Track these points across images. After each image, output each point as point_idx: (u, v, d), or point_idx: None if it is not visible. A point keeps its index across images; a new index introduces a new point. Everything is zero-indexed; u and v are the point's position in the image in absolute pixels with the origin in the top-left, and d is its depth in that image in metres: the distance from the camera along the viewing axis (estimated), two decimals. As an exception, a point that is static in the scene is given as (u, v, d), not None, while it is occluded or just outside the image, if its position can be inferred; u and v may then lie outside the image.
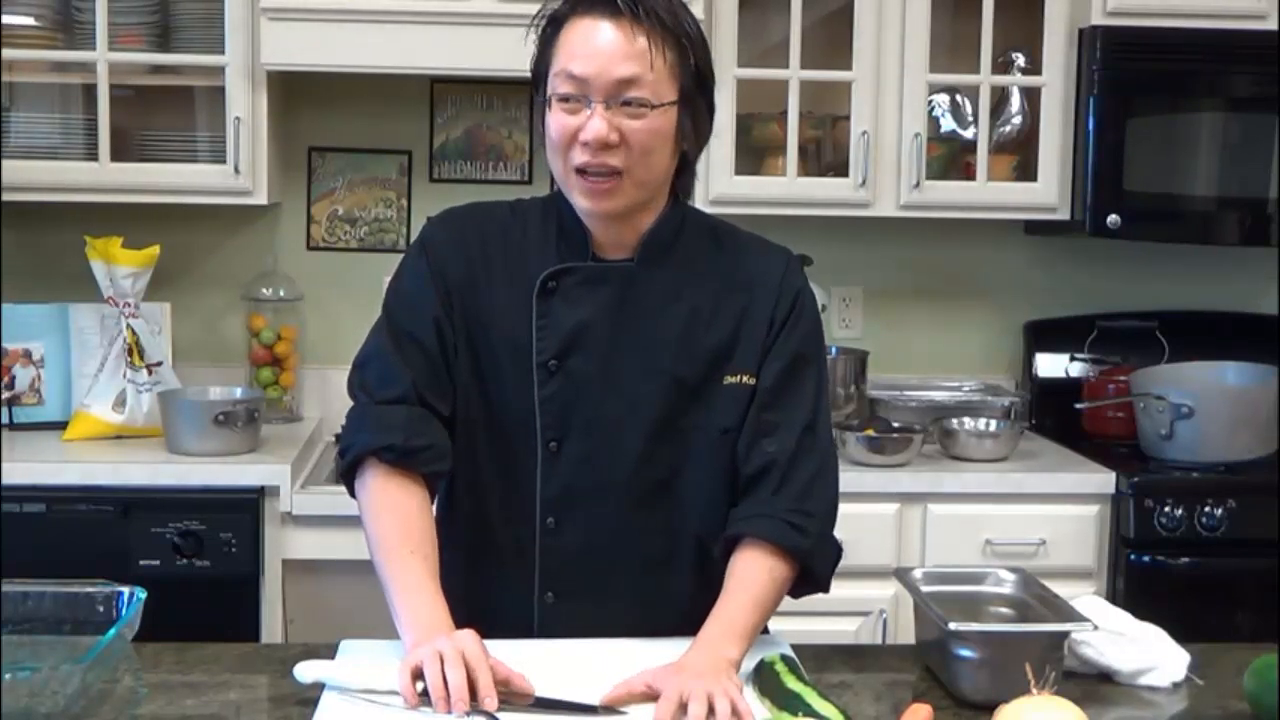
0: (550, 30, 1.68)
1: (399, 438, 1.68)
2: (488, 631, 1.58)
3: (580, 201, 1.67)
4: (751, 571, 1.67)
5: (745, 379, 1.73)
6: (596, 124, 1.62)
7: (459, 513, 1.78)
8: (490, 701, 1.47)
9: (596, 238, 1.73)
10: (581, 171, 1.64)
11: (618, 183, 1.64)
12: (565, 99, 1.63)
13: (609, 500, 1.72)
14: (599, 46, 1.62)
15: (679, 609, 1.70)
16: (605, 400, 1.71)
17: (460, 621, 1.64)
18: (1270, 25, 3.11)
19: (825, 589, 1.75)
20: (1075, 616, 1.62)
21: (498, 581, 1.75)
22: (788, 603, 1.77)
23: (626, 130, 1.63)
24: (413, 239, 3.36)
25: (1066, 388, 3.37)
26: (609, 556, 1.73)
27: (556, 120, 1.65)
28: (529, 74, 1.72)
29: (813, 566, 1.71)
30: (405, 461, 1.68)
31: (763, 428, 1.72)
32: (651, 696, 1.51)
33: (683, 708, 1.46)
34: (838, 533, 1.76)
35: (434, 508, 1.76)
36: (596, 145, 1.62)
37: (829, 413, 1.80)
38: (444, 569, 1.72)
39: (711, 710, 1.46)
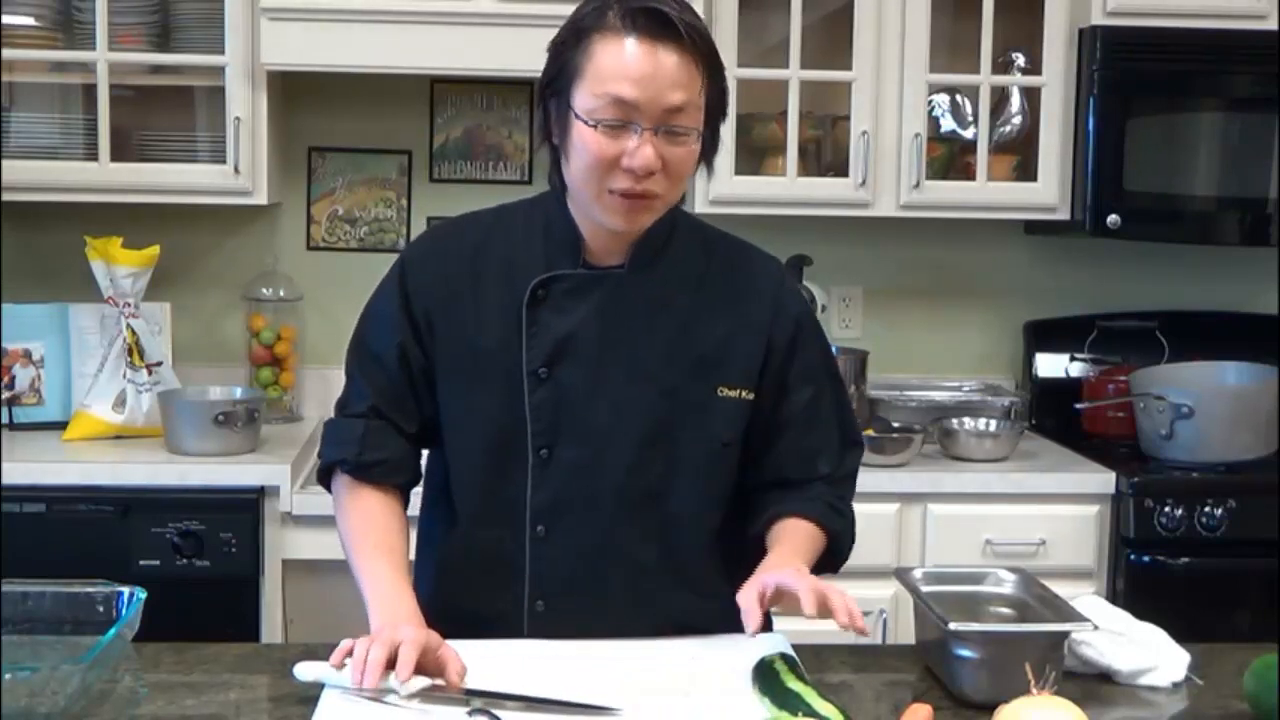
0: (578, 39, 1.60)
1: (353, 452, 1.74)
2: (478, 638, 1.59)
3: (613, 221, 1.64)
4: (796, 527, 1.74)
5: (744, 394, 1.73)
6: (648, 153, 1.58)
7: (450, 521, 1.78)
8: (404, 678, 1.47)
9: (589, 245, 1.72)
10: (616, 192, 1.61)
11: (652, 203, 1.63)
12: (611, 125, 1.58)
13: (599, 508, 1.71)
14: (652, 71, 1.56)
15: (669, 617, 1.70)
16: (595, 408, 1.70)
17: (452, 629, 1.67)
18: (1270, 25, 3.11)
19: (837, 570, 1.82)
20: (1075, 616, 1.62)
21: (489, 589, 1.75)
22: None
23: (668, 157, 1.60)
24: (413, 239, 3.39)
25: (1066, 388, 3.37)
26: (599, 564, 1.72)
27: (596, 143, 1.58)
28: (534, 73, 1.68)
29: (839, 549, 1.80)
30: (359, 474, 1.74)
31: (812, 450, 1.80)
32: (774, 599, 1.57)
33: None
34: None
35: (421, 509, 1.84)
36: (644, 173, 1.59)
37: (852, 411, 1.90)
38: (436, 577, 1.78)
39: None
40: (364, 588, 1.66)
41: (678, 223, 1.77)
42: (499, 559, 1.73)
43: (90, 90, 2.99)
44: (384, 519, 1.73)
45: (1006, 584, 1.75)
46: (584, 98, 1.59)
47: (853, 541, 1.84)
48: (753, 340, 1.74)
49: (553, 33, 1.67)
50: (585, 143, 1.59)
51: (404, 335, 1.74)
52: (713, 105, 1.66)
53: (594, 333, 1.70)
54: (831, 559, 1.80)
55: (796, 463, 1.78)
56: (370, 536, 1.70)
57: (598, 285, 1.71)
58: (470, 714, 1.47)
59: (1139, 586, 2.89)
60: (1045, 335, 3.47)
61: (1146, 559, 2.91)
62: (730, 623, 1.61)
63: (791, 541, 1.71)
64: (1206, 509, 2.90)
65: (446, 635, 1.68)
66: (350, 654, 1.52)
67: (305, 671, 1.55)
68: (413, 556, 1.87)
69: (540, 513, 1.71)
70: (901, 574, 1.77)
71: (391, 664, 1.48)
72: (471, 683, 1.53)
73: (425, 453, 1.85)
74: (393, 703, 1.50)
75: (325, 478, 1.80)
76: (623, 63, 1.57)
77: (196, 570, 2.70)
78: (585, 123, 1.59)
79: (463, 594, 1.75)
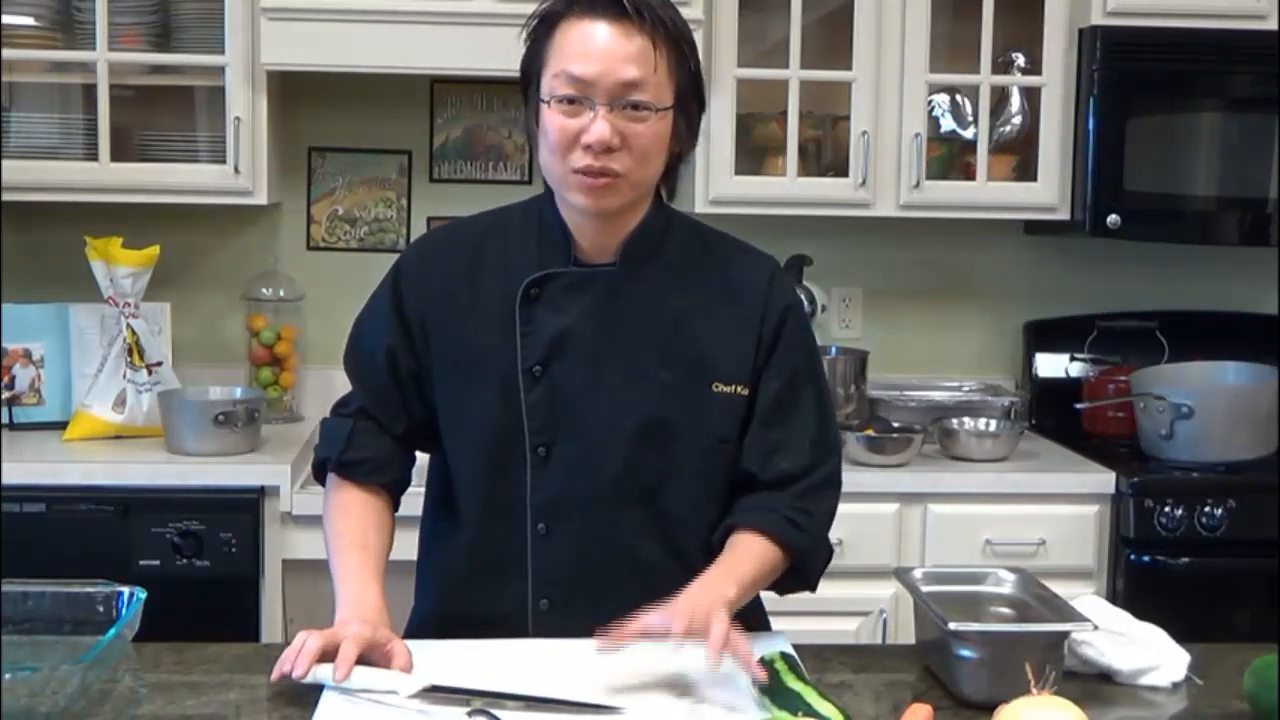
0: (543, 29, 1.66)
1: (337, 450, 1.78)
2: (485, 638, 1.59)
3: (578, 199, 1.66)
4: (750, 543, 1.70)
5: (739, 389, 1.74)
6: (601, 127, 1.60)
7: (452, 522, 1.78)
8: (339, 676, 1.50)
9: (579, 243, 1.72)
10: (579, 171, 1.63)
11: (615, 182, 1.64)
12: (567, 100, 1.62)
13: (599, 505, 1.71)
14: (602, 47, 1.61)
15: None
16: (591, 406, 1.70)
17: (459, 630, 1.69)
18: (1270, 25, 3.11)
19: (813, 589, 1.78)
20: (1075, 616, 1.62)
21: (492, 590, 1.75)
22: (788, 602, 1.78)
23: (628, 133, 1.62)
24: (413, 239, 3.40)
25: (1066, 388, 3.37)
26: (601, 561, 1.72)
27: (555, 122, 1.63)
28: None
29: (805, 565, 1.75)
30: (343, 472, 1.78)
31: (772, 445, 1.74)
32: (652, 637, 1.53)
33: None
34: (836, 532, 1.80)
35: (424, 512, 1.85)
36: (600, 148, 1.61)
37: (834, 419, 1.83)
38: (441, 579, 1.79)
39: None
40: (335, 582, 1.69)
41: (673, 222, 1.78)
42: (502, 558, 1.74)
43: (90, 90, 2.99)
44: (362, 516, 1.75)
45: (1006, 584, 1.75)
46: (547, 81, 1.64)
47: (827, 557, 1.78)
48: (745, 336, 1.74)
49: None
50: (547, 123, 1.64)
51: (394, 339, 1.76)
52: (683, 89, 1.67)
53: (588, 331, 1.71)
54: (801, 577, 1.76)
55: (757, 456, 1.74)
56: (346, 533, 1.73)
57: (590, 283, 1.72)
58: (470, 714, 1.47)
59: (1139, 586, 2.89)
60: (1045, 335, 3.47)
61: (1146, 559, 2.91)
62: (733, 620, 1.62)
63: (730, 560, 1.67)
64: (1206, 509, 2.90)
65: (453, 636, 1.70)
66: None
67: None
68: (415, 556, 1.88)
69: (541, 511, 1.72)
70: (901, 574, 1.76)
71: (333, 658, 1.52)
72: (473, 682, 1.53)
73: (426, 457, 1.85)
74: (392, 703, 1.50)
75: (320, 475, 1.83)
76: (577, 41, 1.62)
77: (196, 570, 2.70)
78: (547, 103, 1.63)
79: (468, 595, 1.76)
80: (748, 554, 1.69)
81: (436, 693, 1.51)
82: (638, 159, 1.64)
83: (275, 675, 1.54)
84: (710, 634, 1.48)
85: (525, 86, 1.70)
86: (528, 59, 1.69)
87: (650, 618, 1.54)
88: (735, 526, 1.72)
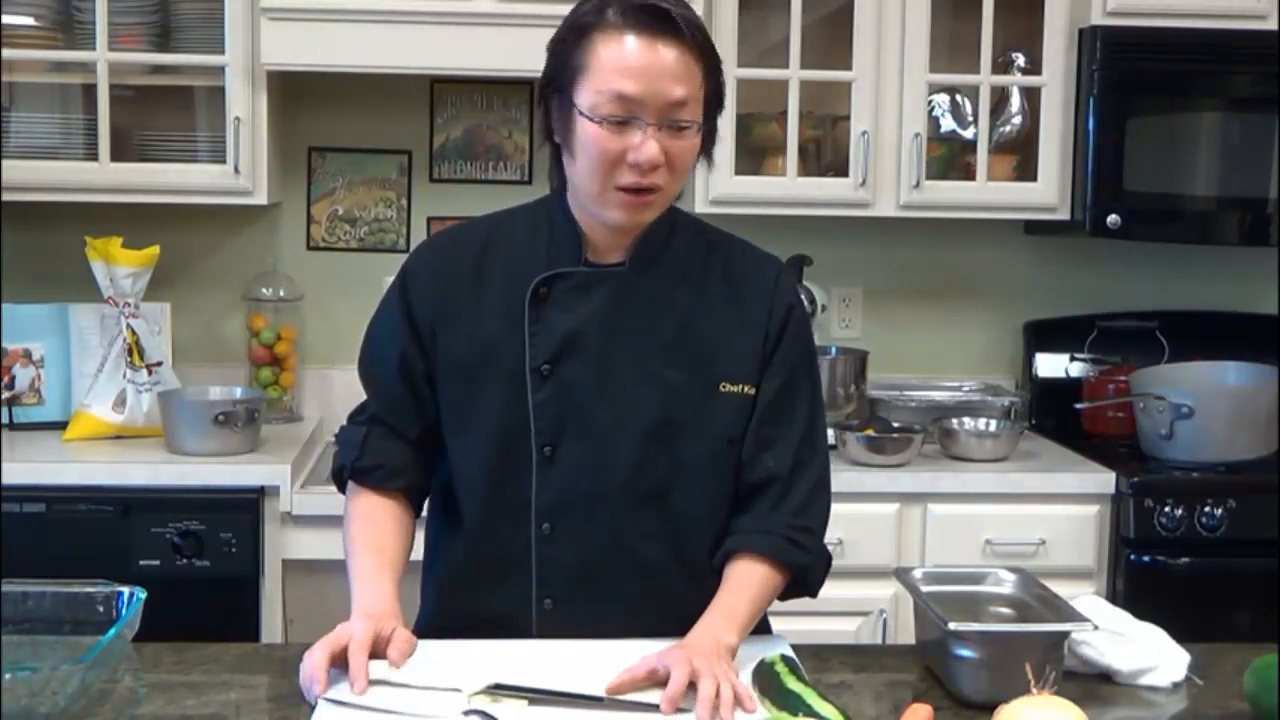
0: (581, 35, 1.62)
1: (351, 457, 1.78)
2: (488, 638, 1.60)
3: (616, 215, 1.66)
4: (750, 574, 1.71)
5: (746, 389, 1.74)
6: (652, 147, 1.60)
7: (457, 522, 1.78)
8: (358, 689, 1.49)
9: (592, 243, 1.73)
10: (622, 189, 1.63)
11: (654, 198, 1.65)
12: (617, 121, 1.60)
13: (605, 506, 1.71)
14: (654, 66, 1.59)
15: (676, 615, 1.69)
16: (599, 405, 1.70)
17: (462, 630, 1.70)
18: (1270, 25, 3.11)
19: (814, 596, 1.79)
20: (1075, 616, 1.62)
21: (496, 589, 1.75)
22: (788, 603, 1.79)
23: (671, 150, 1.62)
24: (413, 239, 3.40)
25: (1066, 388, 3.37)
26: (606, 562, 1.72)
27: (601, 139, 1.60)
28: (533, 73, 1.70)
29: (807, 579, 1.76)
30: (358, 478, 1.78)
31: (762, 441, 1.75)
32: (656, 682, 1.53)
33: (691, 686, 1.50)
34: (836, 532, 1.81)
35: (428, 518, 1.85)
36: (649, 168, 1.61)
37: (824, 420, 1.83)
38: (445, 579, 1.79)
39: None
40: (350, 580, 1.69)
41: (677, 221, 1.78)
42: (506, 559, 1.74)
43: (90, 90, 2.99)
44: (378, 521, 1.75)
45: (1006, 584, 1.75)
46: (587, 95, 1.61)
47: (827, 565, 1.79)
48: (752, 336, 1.75)
49: (553, 32, 1.69)
50: (590, 139, 1.61)
51: (406, 343, 1.76)
52: (710, 99, 1.67)
53: (597, 330, 1.71)
54: (804, 587, 1.77)
55: (751, 450, 1.75)
56: (361, 537, 1.73)
57: (600, 283, 1.72)
58: (465, 714, 1.47)
59: (1139, 586, 2.89)
60: (1045, 335, 3.47)
61: (1146, 559, 2.91)
62: None
63: (730, 601, 1.68)
64: (1206, 509, 2.90)
65: (455, 636, 1.70)
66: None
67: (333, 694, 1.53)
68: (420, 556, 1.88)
69: (545, 511, 1.72)
70: (901, 574, 1.77)
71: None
72: (477, 680, 1.53)
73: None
74: (387, 708, 1.48)
75: (340, 484, 1.84)
76: (624, 58, 1.59)
77: (196, 570, 2.70)
78: (590, 119, 1.61)
79: (471, 595, 1.76)
80: (748, 587, 1.69)
81: (499, 691, 1.51)
82: (677, 174, 1.65)
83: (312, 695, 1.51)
84: (702, 692, 1.48)
85: (551, 91, 1.67)
86: (559, 63, 1.65)
87: (655, 662, 1.54)
88: (734, 551, 1.72)
